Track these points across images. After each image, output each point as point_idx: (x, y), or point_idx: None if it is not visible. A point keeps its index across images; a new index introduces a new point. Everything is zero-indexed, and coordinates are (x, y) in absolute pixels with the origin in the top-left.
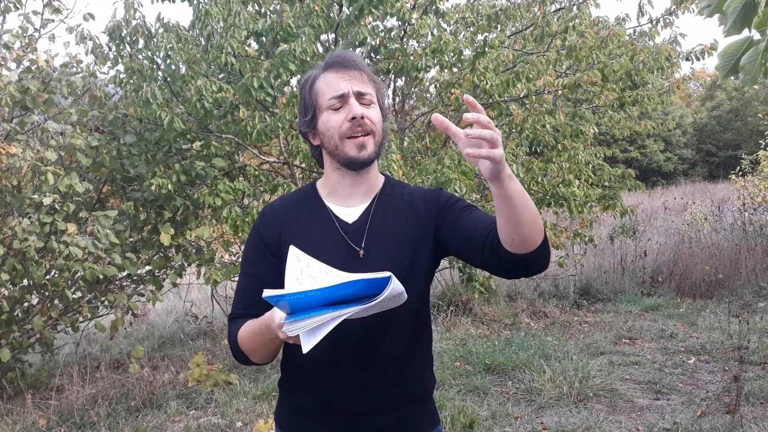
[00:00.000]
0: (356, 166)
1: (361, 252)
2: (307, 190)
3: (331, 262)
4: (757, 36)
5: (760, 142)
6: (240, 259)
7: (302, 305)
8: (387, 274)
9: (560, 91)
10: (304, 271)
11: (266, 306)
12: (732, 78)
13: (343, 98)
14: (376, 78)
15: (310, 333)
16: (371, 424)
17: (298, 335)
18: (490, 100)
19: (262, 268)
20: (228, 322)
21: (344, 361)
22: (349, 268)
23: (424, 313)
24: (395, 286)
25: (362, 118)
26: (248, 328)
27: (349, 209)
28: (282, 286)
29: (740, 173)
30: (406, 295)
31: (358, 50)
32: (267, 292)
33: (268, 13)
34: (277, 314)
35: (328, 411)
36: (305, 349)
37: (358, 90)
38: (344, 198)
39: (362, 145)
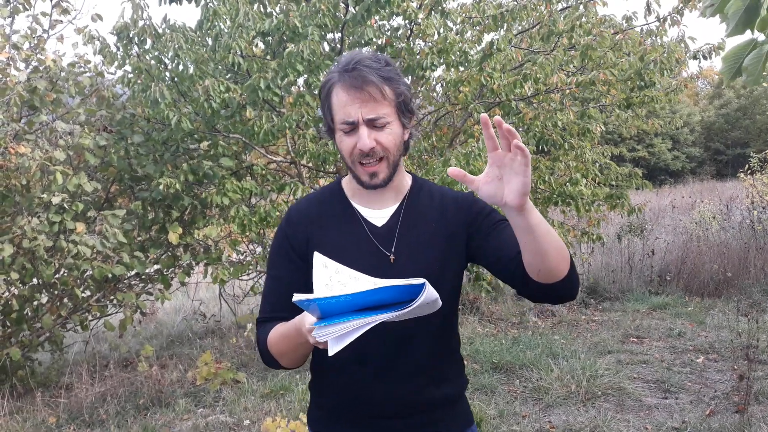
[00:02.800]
0: (369, 188)
1: (392, 257)
2: (332, 189)
3: (360, 266)
4: (761, 37)
5: None
6: (247, 258)
7: (333, 310)
8: (421, 280)
9: (570, 90)
10: (333, 278)
11: (294, 309)
12: (740, 78)
13: (353, 125)
14: (396, 83)
15: (339, 338)
16: (401, 425)
17: (329, 350)
18: (498, 99)
19: (288, 270)
20: (256, 325)
21: (373, 365)
22: (379, 272)
23: (453, 318)
24: (429, 293)
25: (372, 149)
26: (278, 331)
27: (377, 211)
28: (309, 289)
29: (749, 171)
30: (440, 302)
31: (364, 50)
32: (297, 296)
33: (274, 13)
34: (307, 318)
35: (358, 413)
36: (331, 353)
37: (368, 117)
38: (371, 200)
39: (373, 173)
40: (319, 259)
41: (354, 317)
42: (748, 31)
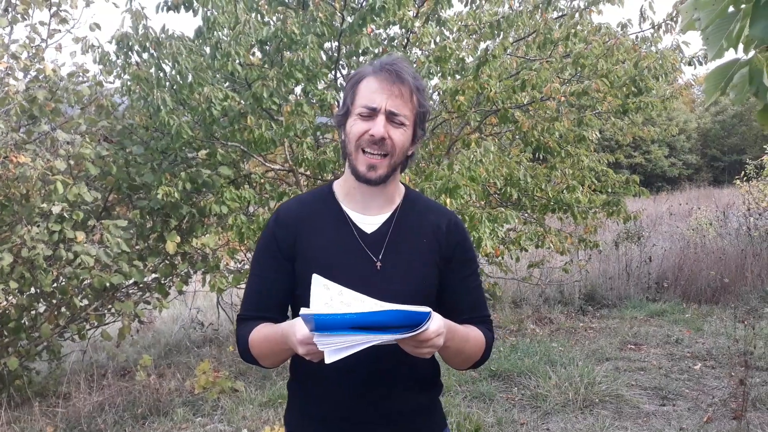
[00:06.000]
0: (362, 181)
1: (379, 263)
2: (323, 192)
3: (347, 270)
4: (744, 57)
5: (765, 146)
6: (245, 266)
7: (334, 325)
8: (427, 309)
9: (564, 98)
10: (335, 298)
11: (276, 309)
12: (723, 96)
13: (373, 111)
14: (423, 96)
15: (338, 350)
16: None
17: (318, 351)
18: (494, 107)
19: (274, 270)
20: (236, 322)
21: (355, 372)
22: (364, 278)
23: None
24: (430, 322)
25: (382, 139)
26: (261, 333)
27: (368, 218)
28: (293, 289)
29: (745, 178)
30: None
31: (361, 59)
32: (304, 311)
33: (271, 22)
34: (298, 328)
35: (337, 418)
36: (328, 361)
37: (391, 110)
38: (362, 206)
39: (373, 165)
40: (318, 281)
41: (354, 333)
42: (731, 51)
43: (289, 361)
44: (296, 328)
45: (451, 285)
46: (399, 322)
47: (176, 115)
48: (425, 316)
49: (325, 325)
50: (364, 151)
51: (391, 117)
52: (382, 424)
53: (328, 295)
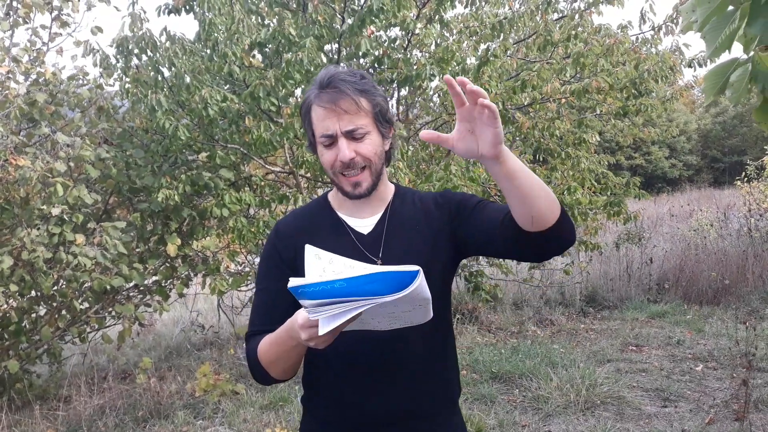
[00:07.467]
0: (353, 198)
1: (379, 262)
2: (319, 202)
3: None
4: (743, 56)
5: (766, 147)
6: (246, 269)
7: (327, 295)
8: (416, 267)
9: (565, 99)
10: (327, 268)
11: (283, 321)
12: (722, 95)
13: (332, 138)
14: (372, 94)
15: (331, 317)
16: None
17: (321, 336)
18: None
19: (277, 280)
20: (245, 340)
21: (366, 371)
22: None
23: (445, 320)
24: (423, 284)
25: (352, 159)
26: (268, 339)
27: (362, 220)
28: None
29: (746, 179)
30: (431, 314)
31: (361, 61)
32: (293, 282)
33: (271, 23)
34: (300, 315)
35: (352, 421)
36: (321, 332)
37: (345, 129)
38: (356, 210)
39: (356, 183)
40: (311, 251)
41: (344, 301)
42: (728, 51)
43: (301, 376)
44: (298, 316)
45: (469, 222)
46: (388, 284)
47: (174, 116)
48: (414, 275)
49: (315, 294)
50: (343, 174)
51: (349, 135)
52: (395, 425)
53: (320, 266)
